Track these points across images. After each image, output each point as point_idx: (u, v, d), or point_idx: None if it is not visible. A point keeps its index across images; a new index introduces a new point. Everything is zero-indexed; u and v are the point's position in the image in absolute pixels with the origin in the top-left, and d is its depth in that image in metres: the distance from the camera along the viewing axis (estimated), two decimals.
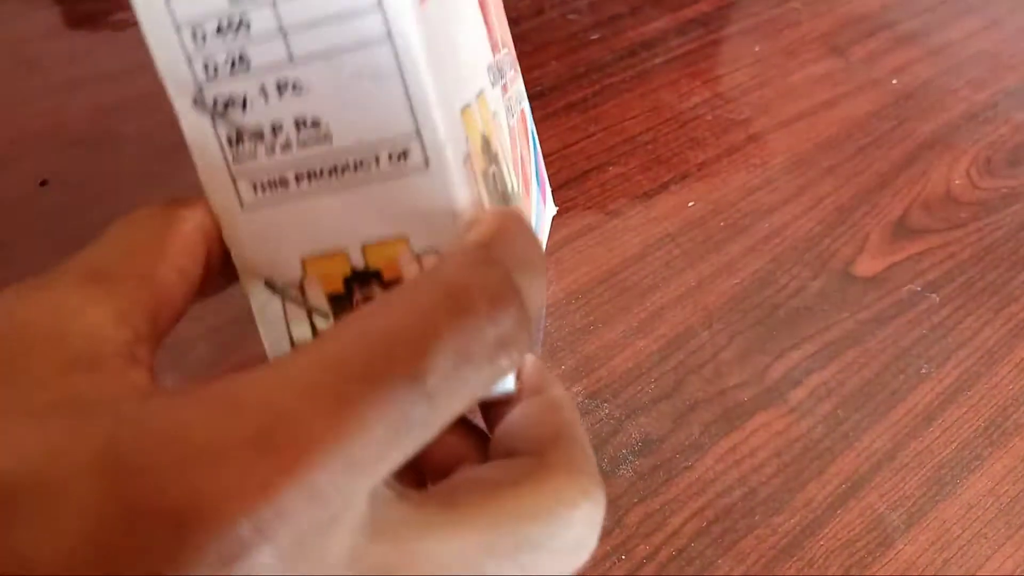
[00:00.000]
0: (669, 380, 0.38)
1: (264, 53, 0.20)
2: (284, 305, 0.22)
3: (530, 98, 0.49)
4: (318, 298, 0.22)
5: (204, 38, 0.20)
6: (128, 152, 0.54)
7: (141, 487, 0.14)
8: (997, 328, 0.40)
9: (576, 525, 0.18)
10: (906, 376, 0.38)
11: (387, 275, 0.22)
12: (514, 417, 0.21)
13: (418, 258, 0.21)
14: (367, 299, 0.22)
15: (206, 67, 0.20)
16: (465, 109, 0.22)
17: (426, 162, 0.20)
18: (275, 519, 0.14)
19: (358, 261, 0.22)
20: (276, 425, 0.14)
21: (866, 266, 0.44)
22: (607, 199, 0.48)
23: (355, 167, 0.21)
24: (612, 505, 0.33)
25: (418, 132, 0.20)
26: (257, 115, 0.20)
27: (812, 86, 0.57)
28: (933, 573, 0.32)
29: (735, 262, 0.44)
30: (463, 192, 0.21)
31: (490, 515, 0.17)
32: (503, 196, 0.25)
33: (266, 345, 0.23)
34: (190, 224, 0.21)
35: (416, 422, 0.16)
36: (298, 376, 0.15)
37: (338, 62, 0.19)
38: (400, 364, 0.15)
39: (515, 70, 0.34)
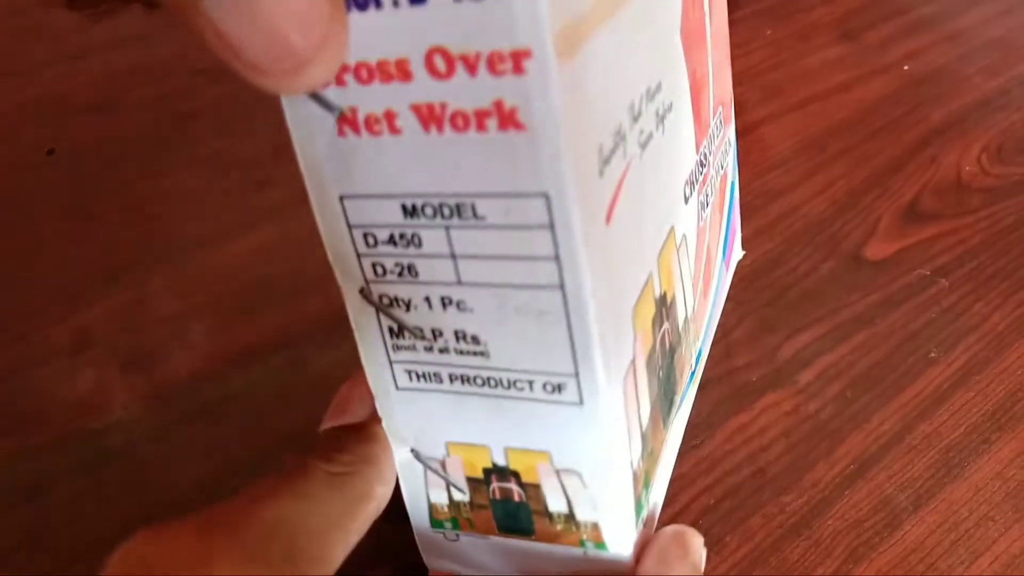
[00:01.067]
0: None
1: (433, 270, 0.19)
2: (426, 472, 0.23)
3: None
4: (457, 475, 0.23)
5: (376, 243, 0.19)
6: (136, 120, 0.53)
7: None
8: (1007, 314, 0.40)
9: None
10: (915, 359, 0.38)
11: (525, 478, 0.22)
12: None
13: (558, 473, 0.22)
14: (503, 490, 0.23)
15: (375, 268, 0.20)
16: (638, 303, 0.22)
17: (580, 400, 0.20)
18: None
19: (499, 459, 0.22)
20: None
21: (877, 249, 0.44)
22: None
23: (508, 385, 0.21)
24: None
25: (576, 374, 0.20)
26: (419, 318, 0.20)
27: (824, 70, 0.57)
28: (940, 554, 0.32)
29: (746, 243, 0.44)
30: (615, 426, 0.21)
31: None
32: (671, 349, 0.26)
33: (405, 497, 0.24)
34: (376, 503, 0.22)
35: None
36: None
37: (505, 294, 0.19)
38: None
39: (724, 125, 0.33)
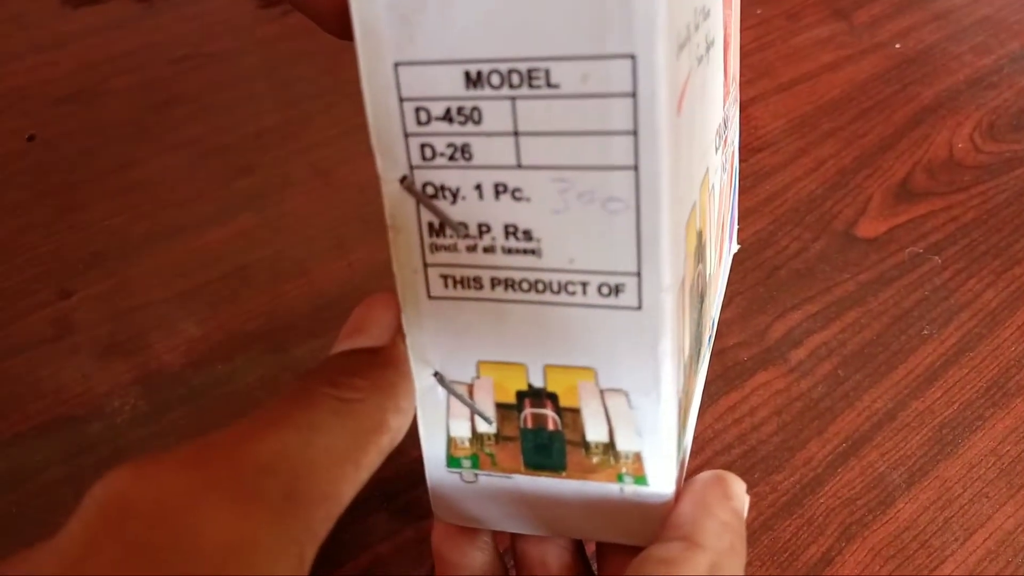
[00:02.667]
0: None
1: (490, 150, 0.18)
2: (448, 399, 0.21)
3: None
4: (485, 402, 0.21)
5: (428, 119, 0.18)
6: (116, 108, 0.53)
7: None
8: (1000, 290, 0.40)
9: None
10: (907, 337, 0.38)
11: (564, 401, 0.20)
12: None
13: (601, 393, 0.20)
14: (536, 418, 0.21)
15: (423, 150, 0.18)
16: (688, 219, 0.20)
17: (639, 304, 0.18)
18: None
19: (536, 379, 0.20)
20: None
21: (868, 228, 0.43)
22: None
23: (558, 289, 0.19)
24: None
25: (639, 272, 0.18)
26: (466, 211, 0.18)
27: (815, 49, 0.56)
28: (934, 531, 0.31)
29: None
30: (670, 337, 0.19)
31: None
32: (702, 296, 0.24)
33: (421, 430, 0.22)
34: (389, 435, 0.19)
35: None
36: None
37: (569, 179, 0.17)
38: None
39: (735, 102, 0.31)
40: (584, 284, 0.19)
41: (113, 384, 0.37)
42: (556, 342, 0.20)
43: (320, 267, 0.42)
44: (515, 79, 0.17)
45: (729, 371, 0.36)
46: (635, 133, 0.16)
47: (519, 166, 0.18)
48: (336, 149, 0.49)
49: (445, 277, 0.19)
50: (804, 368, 0.36)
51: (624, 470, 0.21)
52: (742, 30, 0.58)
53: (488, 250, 0.19)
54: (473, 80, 0.17)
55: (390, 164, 0.18)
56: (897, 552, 0.31)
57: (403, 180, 0.18)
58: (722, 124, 0.27)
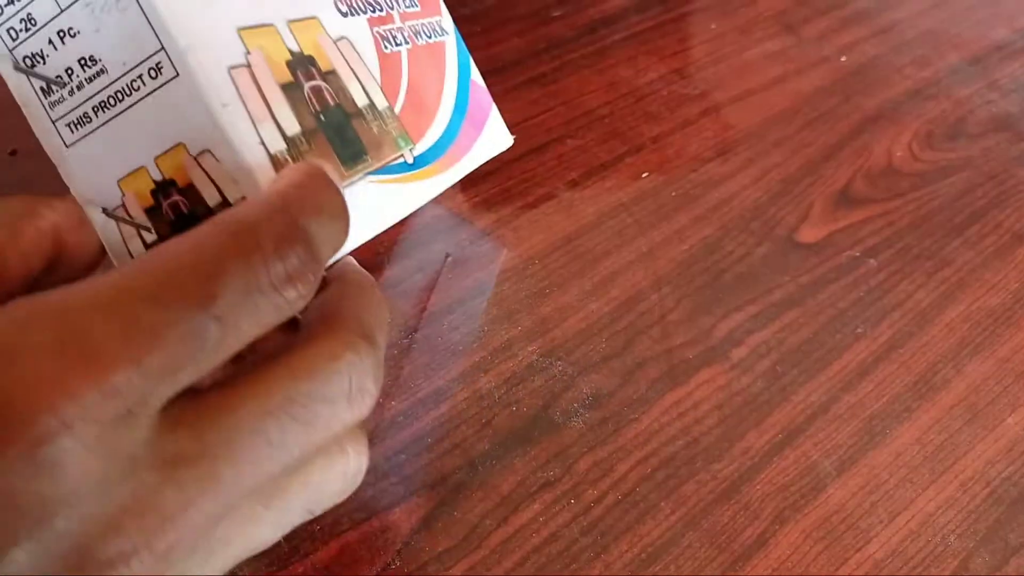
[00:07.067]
0: (619, 340, 0.40)
1: (41, 10, 0.24)
2: (119, 226, 0.26)
3: (492, 72, 0.50)
4: (139, 214, 0.25)
5: (2, 10, 0.24)
6: None
7: None
8: (930, 291, 0.43)
9: (343, 373, 0.20)
10: (842, 335, 0.40)
11: (180, 182, 0.24)
12: (314, 300, 0.22)
13: (197, 161, 0.24)
14: (172, 206, 0.25)
15: (10, 32, 0.24)
16: (251, 29, 0.25)
17: (176, 72, 0.23)
18: (75, 413, 0.16)
19: (155, 173, 0.24)
20: (73, 336, 0.17)
21: (809, 233, 0.46)
22: (565, 170, 0.50)
23: (128, 90, 0.24)
24: (563, 454, 0.35)
25: (163, 48, 0.23)
26: (54, 64, 0.24)
27: (765, 63, 0.59)
28: (861, 514, 0.34)
29: (685, 230, 0.46)
30: (216, 93, 0.23)
31: (262, 382, 0.20)
32: (343, 110, 0.28)
33: (114, 263, 0.27)
34: (45, 222, 0.25)
35: (208, 340, 0.18)
36: (97, 296, 0.18)
37: (90, 2, 0.23)
38: (188, 291, 0.18)
39: (423, 7, 0.36)
40: (140, 76, 0.23)
41: None
42: (150, 137, 0.24)
43: None
44: None
45: (675, 368, 0.39)
46: None
47: (61, 10, 0.23)
48: None
49: (68, 125, 0.25)
50: (745, 365, 0.39)
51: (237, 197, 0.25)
52: (695, 45, 0.61)
53: (80, 87, 0.24)
54: None
55: (3, 61, 0.25)
56: (826, 534, 0.33)
57: (13, 64, 0.24)
58: (359, 2, 0.31)
